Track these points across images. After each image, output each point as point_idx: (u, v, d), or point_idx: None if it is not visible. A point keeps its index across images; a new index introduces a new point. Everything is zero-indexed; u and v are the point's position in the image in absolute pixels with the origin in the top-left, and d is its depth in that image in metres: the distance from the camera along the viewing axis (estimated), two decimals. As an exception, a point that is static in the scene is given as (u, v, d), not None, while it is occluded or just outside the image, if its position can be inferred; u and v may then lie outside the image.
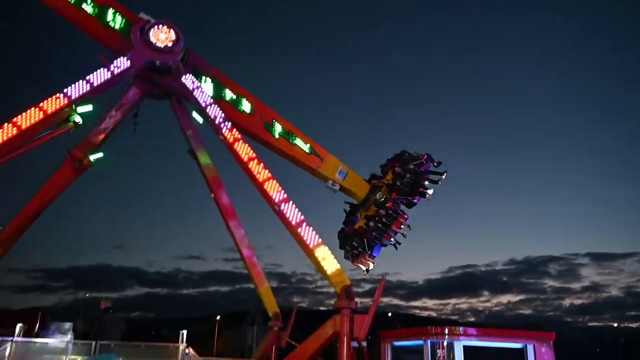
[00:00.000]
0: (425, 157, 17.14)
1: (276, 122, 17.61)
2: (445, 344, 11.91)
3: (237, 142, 16.43)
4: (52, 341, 11.80)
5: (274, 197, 15.42)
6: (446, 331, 12.19)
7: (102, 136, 18.35)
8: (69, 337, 12.41)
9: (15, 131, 13.89)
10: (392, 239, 16.33)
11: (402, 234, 16.48)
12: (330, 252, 14.87)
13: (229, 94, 17.88)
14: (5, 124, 13.91)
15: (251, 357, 14.50)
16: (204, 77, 17.76)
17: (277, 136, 17.56)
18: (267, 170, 16.05)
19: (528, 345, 12.68)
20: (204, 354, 12.58)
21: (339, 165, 17.48)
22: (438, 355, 11.96)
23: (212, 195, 19.96)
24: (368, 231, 16.42)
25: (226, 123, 16.57)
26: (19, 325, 11.67)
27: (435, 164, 17.14)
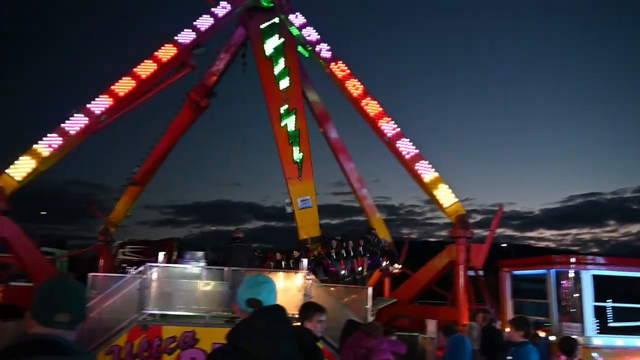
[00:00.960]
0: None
1: (294, 114, 16.43)
2: (571, 273, 11.31)
3: (347, 79, 16.46)
4: (190, 267, 13.03)
5: (386, 131, 15.44)
6: (572, 260, 11.52)
7: (214, 78, 19.28)
8: (202, 263, 13.66)
9: (135, 82, 14.86)
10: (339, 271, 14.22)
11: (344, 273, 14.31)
12: (443, 183, 14.67)
13: (281, 62, 16.93)
14: (125, 77, 14.88)
15: (365, 284, 14.99)
16: (275, 31, 17.18)
17: (281, 124, 16.43)
18: (378, 105, 16.03)
19: (668, 276, 11.58)
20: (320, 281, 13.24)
21: (310, 194, 16.03)
22: (563, 285, 11.42)
23: (321, 129, 20.30)
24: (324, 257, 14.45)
25: (337, 60, 16.56)
26: (161, 254, 13.09)
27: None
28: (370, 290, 12.84)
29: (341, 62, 16.66)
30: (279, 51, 17.21)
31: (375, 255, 14.74)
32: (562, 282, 11.47)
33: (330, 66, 16.56)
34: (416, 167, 14.81)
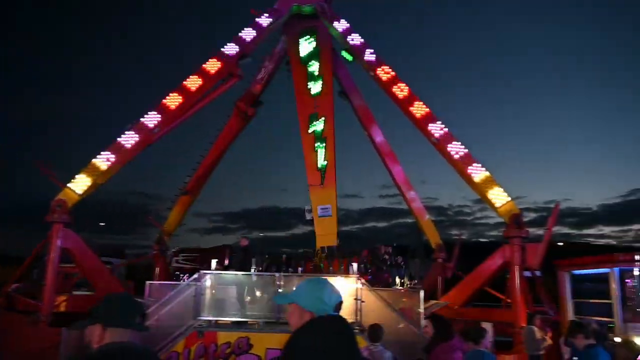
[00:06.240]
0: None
1: (323, 120, 16.78)
2: (637, 271, 10.72)
3: (393, 82, 16.32)
4: (239, 273, 13.21)
5: (434, 132, 15.19)
6: (638, 257, 10.93)
7: (259, 86, 19.56)
8: (252, 270, 13.83)
9: (184, 96, 15.21)
10: None
11: None
12: (495, 182, 14.28)
13: (314, 68, 17.35)
14: (175, 91, 15.22)
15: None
16: (310, 37, 17.65)
17: (309, 131, 16.81)
18: (425, 107, 15.81)
19: None
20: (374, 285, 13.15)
21: (331, 203, 16.14)
22: (628, 284, 10.85)
23: (366, 133, 20.21)
24: None
25: (382, 64, 16.49)
26: (214, 261, 13.36)
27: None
28: (422, 293, 12.64)
29: (386, 65, 16.55)
30: (312, 56, 17.55)
31: (380, 270, 15.46)
32: (626, 281, 10.90)
33: (376, 70, 16.48)
34: (466, 168, 14.50)
